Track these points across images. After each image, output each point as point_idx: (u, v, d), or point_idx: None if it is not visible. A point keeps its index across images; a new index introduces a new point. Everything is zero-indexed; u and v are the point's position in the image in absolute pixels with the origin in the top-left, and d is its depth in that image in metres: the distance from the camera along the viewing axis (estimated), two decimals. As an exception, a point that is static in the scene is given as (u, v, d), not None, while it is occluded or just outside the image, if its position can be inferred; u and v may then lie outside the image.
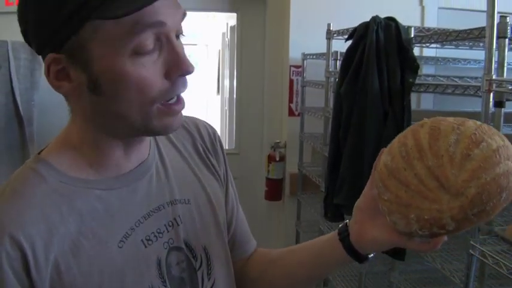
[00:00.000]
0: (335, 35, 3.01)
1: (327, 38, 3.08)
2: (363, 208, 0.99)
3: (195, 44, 8.48)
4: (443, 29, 2.38)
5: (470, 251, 1.70)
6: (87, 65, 0.85)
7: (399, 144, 0.87)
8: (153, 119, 0.89)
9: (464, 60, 3.32)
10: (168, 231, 1.01)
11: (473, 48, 2.75)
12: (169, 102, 0.90)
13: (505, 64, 1.66)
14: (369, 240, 0.98)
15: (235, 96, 4.17)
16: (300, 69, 3.63)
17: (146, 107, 0.87)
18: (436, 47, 3.10)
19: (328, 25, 3.08)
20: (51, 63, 0.87)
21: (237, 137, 4.13)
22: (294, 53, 3.60)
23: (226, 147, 4.09)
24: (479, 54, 2.89)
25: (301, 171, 3.62)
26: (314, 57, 3.39)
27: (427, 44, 2.42)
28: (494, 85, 1.64)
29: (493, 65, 1.66)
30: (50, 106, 3.25)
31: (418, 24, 3.54)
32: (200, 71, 8.68)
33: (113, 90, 0.86)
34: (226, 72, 5.05)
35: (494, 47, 1.65)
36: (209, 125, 1.25)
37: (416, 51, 2.46)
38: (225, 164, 1.24)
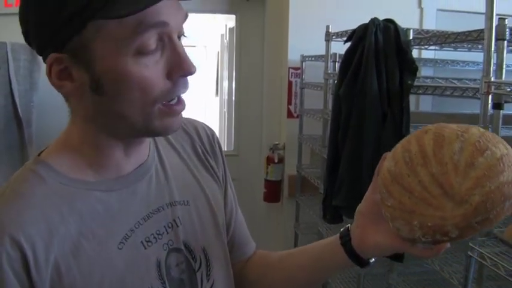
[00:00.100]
0: (334, 37, 3.01)
1: (325, 40, 3.09)
2: (365, 213, 0.99)
3: (194, 46, 8.47)
4: (442, 31, 2.39)
5: (469, 252, 1.70)
6: (90, 65, 0.85)
7: (403, 150, 0.87)
8: (154, 120, 0.89)
9: (463, 62, 3.34)
10: (167, 233, 1.01)
11: (472, 50, 2.75)
12: (171, 102, 0.90)
13: (504, 66, 1.66)
14: (371, 245, 0.97)
15: (234, 98, 4.17)
16: (298, 71, 3.63)
17: (148, 107, 0.87)
18: (435, 49, 3.11)
19: (327, 27, 3.08)
20: (53, 63, 0.87)
21: (235, 138, 4.13)
22: (293, 55, 3.60)
23: (225, 149, 4.09)
24: (477, 56, 2.90)
25: (300, 173, 3.62)
26: (313, 59, 3.39)
27: (426, 46, 2.42)
28: (492, 87, 1.64)
29: (492, 67, 1.66)
30: (49, 107, 3.25)
31: (416, 26, 3.55)
32: (199, 72, 8.68)
33: (115, 90, 0.86)
34: (225, 74, 5.05)
35: (492, 49, 1.66)
36: (208, 126, 1.25)
37: (415, 53, 2.46)
38: (224, 166, 1.24)
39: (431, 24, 3.63)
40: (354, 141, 2.38)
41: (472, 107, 2.39)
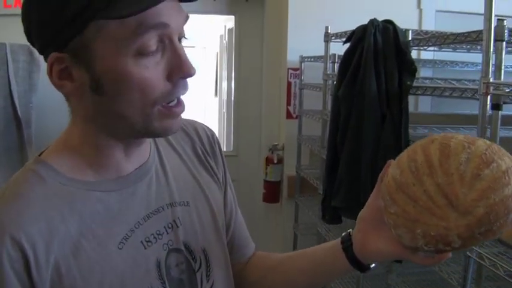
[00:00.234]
0: (333, 37, 3.02)
1: (324, 41, 3.09)
2: (367, 219, 0.99)
3: (193, 46, 8.48)
4: (441, 32, 2.39)
5: (468, 253, 1.70)
6: (90, 65, 0.85)
7: (409, 159, 0.87)
8: (154, 121, 0.90)
9: (462, 63, 3.34)
10: (167, 233, 1.01)
11: (471, 51, 2.75)
12: (170, 104, 0.91)
13: (502, 67, 1.66)
14: (372, 251, 0.97)
15: (233, 98, 4.18)
16: (297, 72, 3.64)
17: (147, 108, 0.88)
18: (434, 50, 3.11)
19: (326, 28, 3.09)
20: (53, 62, 0.87)
21: (234, 139, 4.14)
22: (292, 56, 3.61)
23: (224, 150, 4.08)
24: (476, 57, 2.91)
25: (299, 174, 3.62)
26: (312, 59, 3.40)
27: (425, 47, 2.43)
28: (491, 88, 1.65)
29: (491, 68, 1.67)
30: (48, 108, 3.26)
31: (416, 27, 3.56)
32: (198, 73, 8.68)
33: (115, 90, 0.86)
34: (224, 75, 5.06)
35: (491, 50, 1.66)
36: (208, 127, 1.25)
37: (414, 53, 2.47)
38: (224, 167, 1.24)
39: (430, 25, 3.64)
40: (353, 142, 2.38)
41: (470, 107, 2.40)
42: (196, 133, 1.20)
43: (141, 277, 0.95)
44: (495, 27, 1.64)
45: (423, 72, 3.54)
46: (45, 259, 0.85)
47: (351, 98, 2.40)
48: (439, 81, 2.36)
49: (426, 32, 2.48)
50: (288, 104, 3.74)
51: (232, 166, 3.64)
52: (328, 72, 3.05)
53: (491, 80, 1.65)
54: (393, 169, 0.90)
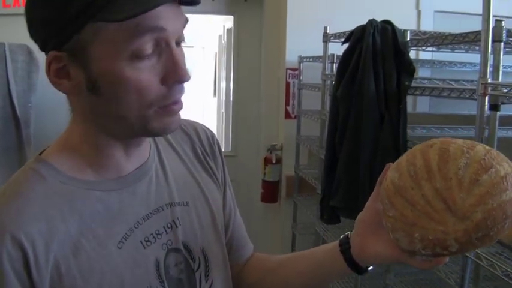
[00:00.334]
0: (332, 38, 3.02)
1: (323, 41, 3.09)
2: (366, 222, 0.99)
3: (192, 46, 8.48)
4: (440, 33, 2.40)
5: (465, 253, 1.70)
6: (87, 66, 0.86)
7: (408, 163, 0.87)
8: (152, 121, 0.90)
9: (460, 63, 3.34)
10: (166, 233, 1.02)
11: (469, 51, 2.75)
12: (168, 104, 0.91)
13: (500, 67, 1.67)
14: (371, 254, 0.98)
15: (231, 98, 4.18)
16: (296, 72, 3.64)
17: (144, 109, 0.88)
18: (432, 50, 3.11)
19: (325, 28, 3.09)
20: (52, 60, 0.87)
21: (233, 139, 4.14)
22: (291, 56, 3.61)
23: (223, 150, 4.09)
24: (475, 57, 2.90)
25: (298, 174, 3.62)
26: (310, 60, 3.40)
27: (423, 47, 2.43)
28: (489, 88, 1.65)
29: (489, 69, 1.67)
30: (47, 108, 3.26)
31: (414, 27, 3.55)
32: (197, 73, 8.68)
33: (112, 92, 0.86)
34: (223, 75, 5.06)
35: (489, 50, 1.66)
36: (208, 128, 1.25)
37: (412, 54, 2.47)
38: (223, 168, 1.24)
39: (428, 25, 3.64)
40: (352, 142, 2.38)
41: (469, 108, 2.40)
42: (196, 134, 1.20)
43: (140, 277, 0.95)
44: (493, 28, 1.65)
45: (421, 73, 3.54)
46: (45, 258, 0.85)
47: (349, 98, 2.40)
48: (437, 82, 2.36)
49: (424, 33, 2.48)
50: (287, 104, 3.74)
51: (231, 166, 3.63)
52: (327, 73, 3.06)
53: (489, 81, 1.65)
54: (392, 173, 0.90)
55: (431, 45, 2.22)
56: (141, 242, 0.97)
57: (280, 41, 3.71)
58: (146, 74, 0.85)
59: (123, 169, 0.99)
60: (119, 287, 0.92)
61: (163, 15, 0.84)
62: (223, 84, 5.05)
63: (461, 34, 1.87)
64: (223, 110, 5.06)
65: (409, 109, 2.34)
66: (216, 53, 6.31)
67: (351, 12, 3.23)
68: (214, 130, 1.25)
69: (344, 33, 2.72)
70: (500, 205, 0.78)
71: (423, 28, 3.49)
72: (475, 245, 0.81)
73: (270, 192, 3.80)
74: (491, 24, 1.65)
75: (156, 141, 1.10)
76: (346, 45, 2.52)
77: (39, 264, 0.85)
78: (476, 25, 1.72)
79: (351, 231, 1.04)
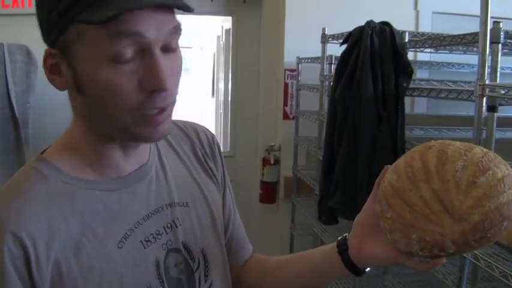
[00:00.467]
0: (330, 39, 3.02)
1: (321, 42, 3.09)
2: (364, 223, 0.99)
3: (190, 47, 8.49)
4: (438, 34, 2.40)
5: (463, 254, 1.71)
6: (72, 65, 0.87)
7: (406, 165, 0.88)
8: (134, 127, 0.90)
9: (458, 64, 3.35)
10: (166, 233, 1.02)
11: (467, 52, 2.76)
12: (149, 113, 0.89)
13: (498, 69, 1.67)
14: (368, 255, 0.98)
15: (230, 99, 4.17)
16: (294, 73, 3.64)
17: (124, 114, 0.88)
18: (430, 52, 3.12)
19: (323, 29, 3.09)
20: (47, 56, 0.90)
21: (231, 140, 4.14)
22: (289, 57, 3.61)
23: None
24: (473, 58, 2.91)
25: (296, 174, 3.62)
26: (309, 61, 3.40)
27: (422, 49, 2.44)
28: (487, 90, 1.65)
29: (486, 70, 1.67)
30: (45, 108, 3.26)
31: (412, 28, 3.56)
32: (195, 73, 8.68)
33: (93, 93, 0.87)
34: (221, 75, 5.05)
35: (487, 52, 1.67)
36: (208, 130, 1.26)
37: (410, 55, 2.47)
38: (223, 169, 1.25)
39: (427, 26, 3.64)
40: (350, 143, 2.39)
41: (466, 109, 2.41)
42: (197, 135, 1.21)
43: (140, 276, 0.95)
44: (491, 30, 1.65)
45: (419, 74, 3.55)
46: (46, 258, 0.86)
47: (347, 99, 2.40)
48: (435, 83, 2.37)
49: (423, 34, 2.49)
50: (285, 104, 3.74)
51: (229, 167, 3.62)
52: (325, 74, 3.06)
53: (487, 82, 1.66)
54: (390, 174, 0.90)
55: (429, 47, 2.23)
56: (141, 241, 0.97)
57: (279, 41, 3.72)
58: (124, 78, 0.85)
59: (123, 169, 1.00)
60: (119, 286, 0.92)
61: (143, 21, 0.82)
62: (221, 85, 5.05)
63: (459, 35, 1.88)
64: (221, 111, 5.05)
65: (407, 110, 2.35)
66: (214, 53, 6.30)
67: (349, 14, 3.23)
68: (212, 131, 1.25)
69: (342, 34, 2.72)
70: (498, 207, 0.79)
71: (421, 29, 3.49)
72: (472, 246, 0.82)
73: (268, 192, 3.81)
74: (489, 26, 1.65)
75: (157, 142, 1.11)
76: (344, 47, 2.52)
77: (40, 263, 0.85)
78: (474, 26, 1.72)
79: (349, 233, 1.04)
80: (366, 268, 1.03)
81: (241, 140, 4.10)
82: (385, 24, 2.36)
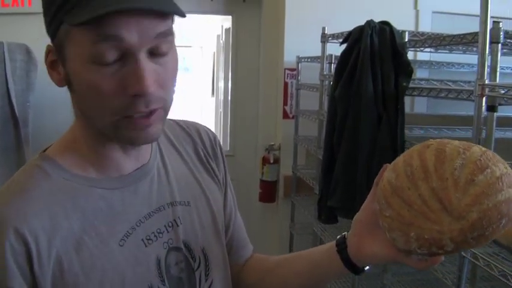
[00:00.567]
0: (330, 38, 3.03)
1: (321, 42, 3.10)
2: (363, 222, 1.00)
3: (190, 46, 8.48)
4: (437, 34, 2.40)
5: (462, 253, 1.71)
6: (64, 63, 0.89)
7: (404, 164, 0.88)
8: (118, 129, 0.90)
9: (458, 64, 3.35)
10: (168, 232, 1.03)
11: (467, 52, 2.76)
12: (134, 116, 0.88)
13: (498, 69, 1.67)
14: (367, 254, 0.98)
15: (229, 98, 4.18)
16: (294, 72, 3.64)
17: (108, 115, 0.88)
18: (430, 51, 3.12)
19: (323, 28, 3.09)
20: (48, 52, 0.92)
21: (231, 139, 4.14)
22: (289, 56, 3.61)
23: (221, 149, 4.10)
24: (472, 58, 2.91)
25: (295, 174, 3.63)
26: (309, 60, 3.41)
27: (421, 48, 2.44)
28: (486, 90, 1.66)
29: (486, 70, 1.68)
30: (45, 107, 3.26)
31: (412, 28, 3.56)
32: (195, 73, 8.68)
33: (80, 92, 0.89)
34: (221, 75, 5.05)
35: (487, 52, 1.67)
36: (210, 130, 1.27)
37: (410, 54, 2.47)
38: (225, 169, 1.25)
39: (426, 26, 3.64)
40: (349, 143, 2.39)
41: (466, 108, 2.41)
42: (199, 135, 1.21)
43: (141, 274, 0.96)
44: (491, 30, 1.65)
45: (419, 73, 3.55)
46: (48, 254, 0.87)
47: (347, 98, 2.41)
48: (435, 83, 2.37)
49: (422, 34, 2.49)
50: (285, 104, 3.74)
51: (229, 166, 3.60)
52: (325, 73, 3.06)
53: (486, 82, 1.66)
54: (389, 173, 0.91)
55: (429, 46, 2.23)
56: (142, 240, 0.98)
57: (279, 41, 3.72)
58: (106, 80, 0.84)
59: (124, 168, 1.00)
60: (120, 285, 0.93)
61: (123, 25, 0.81)
62: (221, 84, 5.05)
63: (459, 35, 1.88)
64: (221, 110, 5.05)
65: (407, 110, 2.35)
66: (214, 52, 6.30)
67: (349, 13, 3.24)
68: (212, 130, 1.26)
69: (342, 33, 2.72)
70: (496, 205, 0.79)
71: (421, 29, 3.49)
72: (471, 244, 0.82)
73: (268, 192, 3.81)
74: (489, 26, 1.65)
75: (158, 142, 1.11)
76: (344, 46, 2.52)
77: (41, 259, 0.86)
78: (474, 25, 1.72)
79: (348, 231, 1.04)
80: (365, 267, 1.04)
81: (241, 139, 4.10)
82: (385, 24, 2.36)
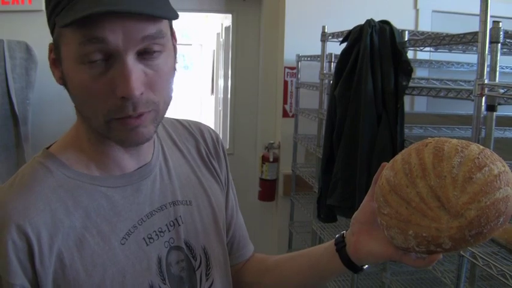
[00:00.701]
0: (330, 37, 3.03)
1: (321, 40, 3.10)
2: (361, 221, 1.00)
3: (190, 44, 8.48)
4: (437, 33, 2.40)
5: (461, 252, 1.71)
6: (60, 63, 0.90)
7: (403, 162, 0.88)
8: (109, 130, 0.90)
9: (458, 63, 3.35)
10: (169, 231, 1.03)
11: (467, 52, 2.76)
12: (124, 117, 0.88)
13: (497, 68, 1.67)
14: (366, 252, 0.99)
15: (229, 96, 4.18)
16: (294, 71, 3.65)
17: (98, 115, 0.88)
18: (430, 51, 3.12)
19: (323, 27, 3.09)
20: (50, 51, 0.94)
21: (231, 137, 4.14)
22: (289, 55, 3.61)
23: (221, 148, 4.10)
24: (472, 57, 2.91)
25: (295, 172, 3.63)
26: (308, 59, 3.41)
27: (421, 48, 2.44)
28: (486, 89, 1.66)
29: (486, 69, 1.68)
30: (45, 105, 3.27)
31: (412, 27, 3.57)
32: (194, 71, 8.68)
33: (74, 92, 0.90)
34: (221, 73, 5.06)
35: (486, 51, 1.67)
36: (212, 130, 1.27)
37: (410, 53, 2.48)
38: (227, 169, 1.26)
39: (426, 25, 3.65)
40: (349, 141, 2.39)
41: (466, 108, 2.41)
42: (201, 134, 1.22)
43: (142, 273, 0.96)
44: (490, 29, 1.65)
45: (419, 72, 3.55)
46: (49, 250, 0.87)
47: (347, 97, 2.41)
48: (434, 82, 2.37)
49: (422, 33, 2.49)
50: (285, 102, 3.74)
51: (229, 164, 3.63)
52: (325, 72, 3.06)
53: (486, 82, 1.66)
54: (387, 171, 0.91)
55: (429, 46, 2.23)
56: (143, 238, 0.98)
57: (279, 39, 3.72)
58: (95, 81, 0.85)
59: (126, 167, 1.01)
60: (121, 282, 0.93)
61: (109, 27, 0.81)
62: (221, 82, 5.05)
63: (458, 35, 1.88)
64: (220, 108, 5.06)
65: (407, 109, 2.35)
66: (214, 50, 6.30)
67: (349, 12, 3.24)
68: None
69: (342, 32, 2.72)
70: (494, 203, 0.79)
71: (421, 28, 3.50)
72: (469, 242, 0.82)
73: (267, 190, 3.81)
74: (489, 26, 1.65)
75: (161, 141, 1.12)
76: (344, 45, 2.52)
77: (43, 255, 0.86)
78: (474, 25, 1.72)
79: (347, 230, 1.05)
80: (364, 265, 1.04)
81: (240, 138, 4.10)
82: (385, 23, 2.36)
